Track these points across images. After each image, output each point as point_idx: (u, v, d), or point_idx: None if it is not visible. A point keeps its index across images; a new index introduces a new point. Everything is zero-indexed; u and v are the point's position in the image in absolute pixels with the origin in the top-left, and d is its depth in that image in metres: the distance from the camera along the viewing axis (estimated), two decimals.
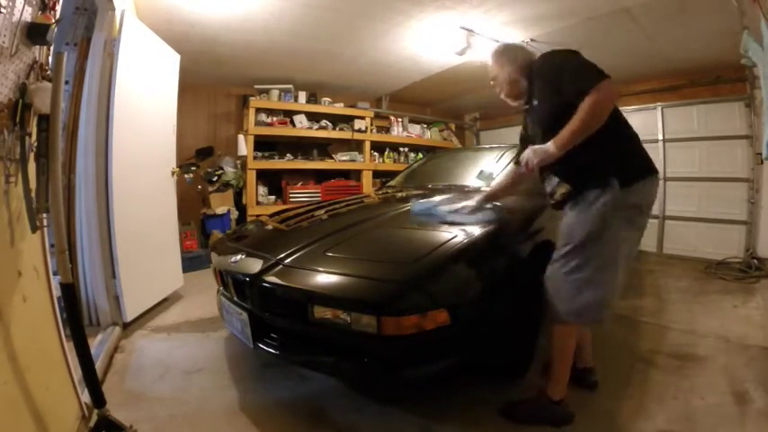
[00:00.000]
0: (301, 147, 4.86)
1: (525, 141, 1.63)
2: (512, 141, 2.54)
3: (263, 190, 4.59)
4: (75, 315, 1.27)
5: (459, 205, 1.76)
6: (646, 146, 1.52)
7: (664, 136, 4.45)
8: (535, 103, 1.47)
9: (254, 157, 4.37)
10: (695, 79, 4.14)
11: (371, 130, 5.17)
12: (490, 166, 2.62)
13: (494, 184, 2.03)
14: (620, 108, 1.43)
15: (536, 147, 1.35)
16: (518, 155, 1.69)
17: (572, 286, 1.36)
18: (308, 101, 4.77)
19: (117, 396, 1.59)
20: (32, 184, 1.12)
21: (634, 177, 1.36)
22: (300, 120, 4.68)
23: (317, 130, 4.76)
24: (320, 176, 4.96)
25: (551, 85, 1.36)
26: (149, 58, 2.62)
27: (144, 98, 2.57)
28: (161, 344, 2.18)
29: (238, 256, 1.66)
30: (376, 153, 5.32)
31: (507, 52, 1.54)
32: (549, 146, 1.30)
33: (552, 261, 1.44)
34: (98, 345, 2.00)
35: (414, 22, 3.04)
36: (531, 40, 3.37)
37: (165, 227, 2.92)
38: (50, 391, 1.18)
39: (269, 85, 4.52)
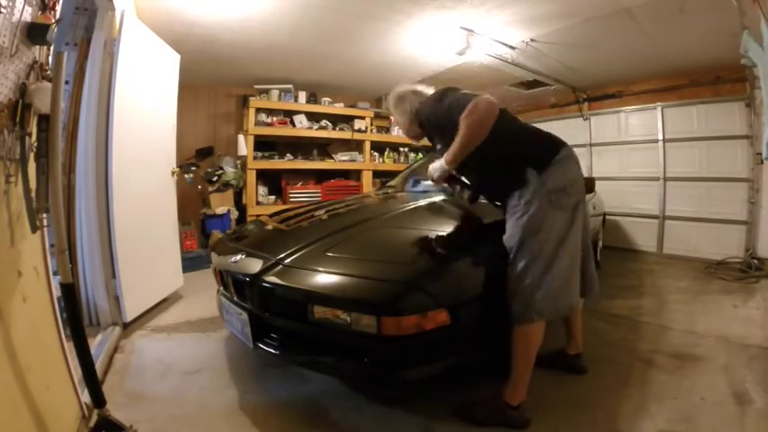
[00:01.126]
0: (301, 147, 4.86)
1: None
2: None
3: (263, 190, 4.59)
4: (75, 315, 1.27)
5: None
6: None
7: (664, 136, 4.45)
8: (439, 147, 1.63)
9: (254, 157, 4.37)
10: (695, 79, 4.14)
11: (371, 130, 5.17)
12: None
13: None
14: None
15: (434, 164, 1.54)
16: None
17: (526, 285, 1.37)
18: (308, 101, 4.77)
19: (117, 396, 1.59)
20: (32, 184, 1.11)
21: (546, 158, 1.44)
22: (300, 120, 4.68)
23: (316, 130, 4.76)
24: (320, 176, 4.96)
25: (447, 129, 1.47)
26: (149, 59, 2.62)
27: (144, 98, 2.57)
28: (161, 344, 2.18)
29: (238, 256, 1.66)
30: (376, 153, 5.33)
31: (401, 103, 1.70)
32: (443, 162, 1.49)
33: (507, 267, 1.44)
34: (98, 345, 2.00)
35: (414, 22, 3.03)
36: (532, 40, 3.37)
37: (165, 227, 2.92)
38: (50, 391, 1.18)
39: (269, 85, 4.52)
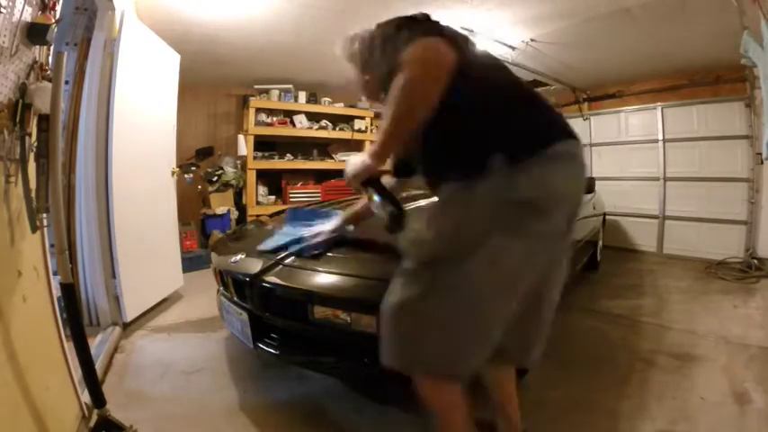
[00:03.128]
0: (301, 147, 4.85)
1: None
2: None
3: (263, 190, 4.59)
4: (75, 315, 1.27)
5: (313, 238, 1.54)
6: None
7: (664, 136, 4.45)
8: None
9: (254, 157, 4.37)
10: (695, 79, 4.14)
11: (371, 130, 5.17)
12: None
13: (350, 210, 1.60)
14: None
15: (353, 158, 0.97)
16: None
17: (411, 322, 0.91)
18: (308, 101, 4.77)
19: (117, 396, 1.59)
20: (32, 184, 1.12)
21: (531, 143, 0.88)
22: (300, 120, 4.68)
23: (316, 130, 4.76)
24: (320, 176, 4.96)
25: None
26: (149, 59, 2.61)
27: (144, 98, 2.57)
28: (161, 344, 2.18)
29: (238, 256, 1.66)
30: None
31: (352, 45, 1.23)
32: (366, 156, 0.93)
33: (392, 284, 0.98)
34: (98, 345, 2.00)
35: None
36: (532, 40, 3.37)
37: (165, 227, 2.92)
38: (50, 391, 1.18)
39: (269, 85, 4.52)
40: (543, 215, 0.87)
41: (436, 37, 0.91)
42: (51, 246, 1.27)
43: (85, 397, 1.35)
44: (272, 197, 4.61)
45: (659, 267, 3.94)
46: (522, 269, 0.89)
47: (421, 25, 1.01)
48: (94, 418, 1.34)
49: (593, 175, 4.77)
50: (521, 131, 0.91)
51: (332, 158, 5.01)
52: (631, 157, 4.75)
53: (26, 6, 1.04)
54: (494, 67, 1.05)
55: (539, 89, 5.05)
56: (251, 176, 4.34)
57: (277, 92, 4.54)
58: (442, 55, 0.84)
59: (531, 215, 0.86)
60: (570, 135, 0.96)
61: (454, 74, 0.84)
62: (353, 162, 0.96)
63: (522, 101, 0.99)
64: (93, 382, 1.31)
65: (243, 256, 1.65)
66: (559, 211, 0.91)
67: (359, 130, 5.02)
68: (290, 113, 4.66)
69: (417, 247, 0.93)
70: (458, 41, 0.95)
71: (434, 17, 1.12)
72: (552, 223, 0.89)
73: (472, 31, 3.16)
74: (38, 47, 1.13)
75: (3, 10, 0.94)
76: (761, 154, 3.00)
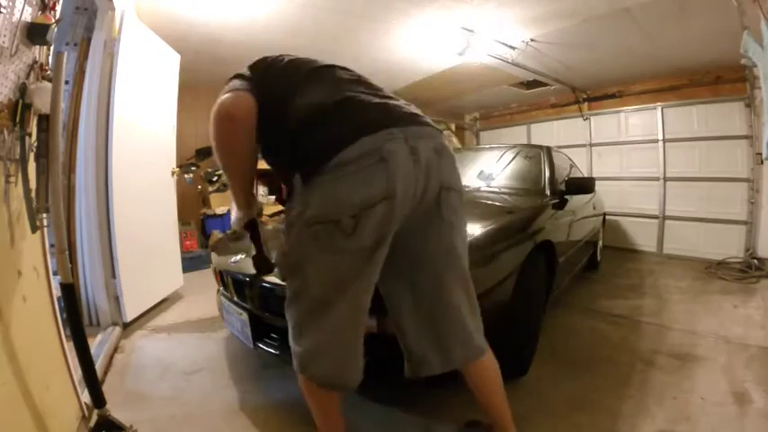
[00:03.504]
0: None
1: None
2: (512, 141, 2.55)
3: (263, 190, 4.59)
4: (75, 315, 1.26)
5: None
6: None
7: (664, 136, 4.45)
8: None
9: None
10: (695, 79, 4.14)
11: None
12: (490, 167, 2.63)
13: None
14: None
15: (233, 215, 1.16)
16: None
17: (289, 323, 1.01)
18: None
19: (117, 396, 1.59)
20: (32, 184, 1.12)
21: (316, 157, 0.88)
22: None
23: None
24: None
25: None
26: (149, 59, 2.62)
27: (144, 98, 2.57)
28: (161, 344, 2.18)
29: (238, 256, 1.66)
30: None
31: None
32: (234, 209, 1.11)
33: None
34: (98, 345, 2.00)
35: (414, 22, 3.03)
36: (532, 40, 3.37)
37: (165, 227, 2.92)
38: (50, 391, 1.18)
39: None
40: (349, 231, 0.86)
41: (234, 80, 0.99)
42: (51, 246, 1.27)
43: (85, 397, 1.35)
44: (272, 197, 4.61)
45: (659, 267, 3.94)
46: (354, 273, 0.91)
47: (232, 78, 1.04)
48: (94, 418, 1.34)
49: (594, 175, 4.78)
50: (304, 153, 0.91)
51: None
52: (631, 157, 4.76)
53: (26, 6, 1.04)
54: (291, 80, 1.01)
55: (539, 89, 5.07)
56: None
57: None
58: (238, 101, 0.92)
59: (336, 234, 0.86)
60: (375, 125, 0.89)
61: (259, 109, 0.92)
62: (233, 215, 1.14)
63: (316, 112, 0.94)
64: (93, 382, 1.31)
65: (243, 256, 1.65)
66: (367, 220, 0.86)
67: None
68: None
69: (277, 264, 1.04)
70: (257, 70, 1.04)
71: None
72: (365, 235, 0.86)
73: (472, 31, 3.17)
74: (38, 47, 1.13)
75: (3, 10, 0.94)
76: (761, 154, 3.00)
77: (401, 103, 1.04)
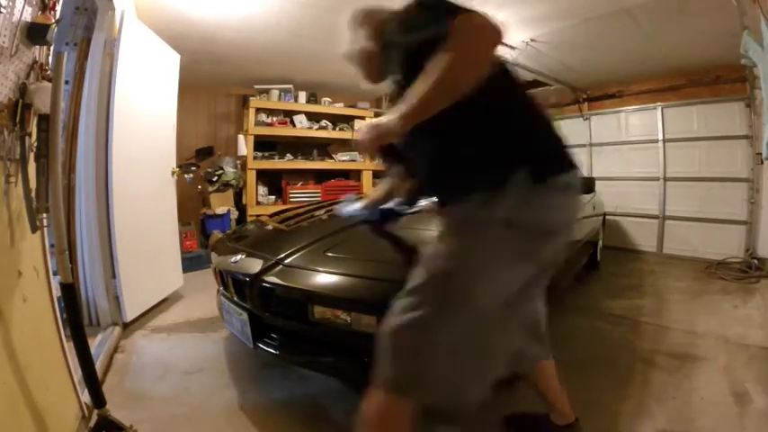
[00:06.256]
0: (301, 147, 4.86)
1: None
2: None
3: (263, 190, 4.59)
4: (75, 315, 1.27)
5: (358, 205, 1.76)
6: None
7: (664, 136, 4.45)
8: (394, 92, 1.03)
9: (254, 157, 4.38)
10: (695, 79, 4.14)
11: None
12: None
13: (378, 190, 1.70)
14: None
15: (375, 120, 0.91)
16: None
17: (410, 345, 0.83)
18: (308, 101, 4.77)
19: (117, 396, 1.59)
20: (32, 184, 1.12)
21: (551, 166, 0.89)
22: (300, 120, 4.68)
23: (316, 130, 4.76)
24: (320, 176, 4.96)
25: (417, 56, 0.84)
26: (149, 58, 2.61)
27: (144, 98, 2.56)
28: (161, 344, 2.18)
29: (238, 257, 1.66)
30: None
31: (369, 18, 1.11)
32: (393, 117, 0.83)
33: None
34: (98, 345, 2.00)
35: None
36: (532, 40, 3.37)
37: (165, 227, 2.92)
38: (50, 391, 1.18)
39: (269, 85, 4.52)
40: (551, 242, 0.89)
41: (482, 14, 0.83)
42: (51, 246, 1.27)
43: (85, 397, 1.35)
44: (272, 197, 4.61)
45: (659, 267, 3.94)
46: (522, 290, 0.89)
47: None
48: (94, 418, 1.34)
49: (593, 175, 4.78)
50: (542, 153, 0.91)
51: (332, 158, 5.01)
52: (631, 157, 4.75)
53: (26, 6, 1.04)
54: (511, 73, 0.97)
55: (539, 89, 5.07)
56: (251, 176, 4.34)
57: (277, 92, 4.54)
58: (500, 32, 0.79)
59: (541, 244, 0.87)
60: (574, 165, 0.96)
61: (494, 68, 0.83)
62: (376, 124, 0.88)
63: (543, 120, 0.97)
64: (93, 382, 1.31)
65: (243, 256, 1.65)
66: (561, 239, 0.92)
67: (359, 130, 5.02)
68: (289, 113, 4.66)
69: (432, 262, 0.89)
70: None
71: None
72: (555, 252, 0.92)
73: None
74: (38, 47, 1.14)
75: (3, 10, 0.94)
76: (761, 154, 3.00)
77: None
